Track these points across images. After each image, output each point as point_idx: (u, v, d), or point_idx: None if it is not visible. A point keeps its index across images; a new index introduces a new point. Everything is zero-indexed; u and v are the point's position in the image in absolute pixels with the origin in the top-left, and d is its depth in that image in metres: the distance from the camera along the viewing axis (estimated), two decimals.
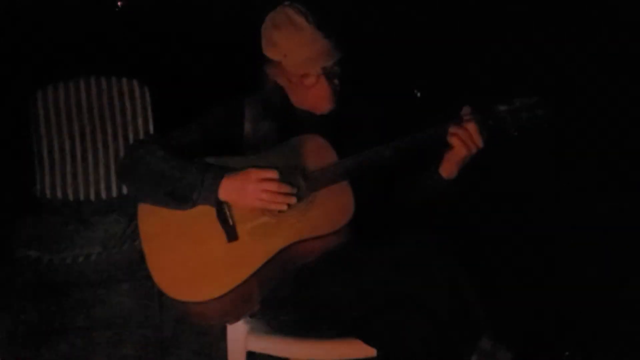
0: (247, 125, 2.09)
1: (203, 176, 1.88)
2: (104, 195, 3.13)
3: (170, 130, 2.09)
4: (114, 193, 3.14)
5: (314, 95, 2.06)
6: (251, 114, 2.11)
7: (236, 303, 1.92)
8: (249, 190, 1.87)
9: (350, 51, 2.02)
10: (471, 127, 1.91)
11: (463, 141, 1.91)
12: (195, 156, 1.96)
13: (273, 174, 1.87)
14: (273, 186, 1.87)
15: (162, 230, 1.95)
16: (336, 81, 2.05)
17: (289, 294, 1.98)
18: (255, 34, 2.11)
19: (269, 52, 2.06)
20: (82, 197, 3.13)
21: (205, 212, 1.92)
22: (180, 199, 1.90)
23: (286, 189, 1.88)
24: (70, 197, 3.11)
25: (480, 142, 1.92)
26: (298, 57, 2.00)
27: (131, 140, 3.15)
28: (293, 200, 1.89)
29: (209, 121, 2.11)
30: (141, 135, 3.17)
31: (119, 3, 3.89)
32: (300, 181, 1.93)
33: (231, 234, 1.92)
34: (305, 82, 2.04)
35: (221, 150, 2.02)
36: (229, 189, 1.87)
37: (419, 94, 2.61)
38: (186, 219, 1.93)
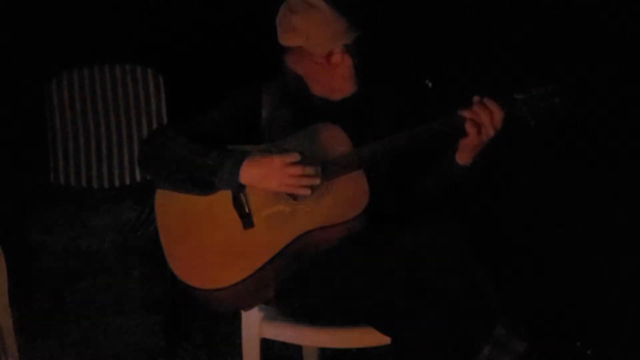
0: (265, 112, 2.10)
1: (224, 160, 1.88)
2: (117, 182, 3.14)
3: (186, 117, 2.10)
4: (128, 180, 3.15)
5: (339, 76, 2.06)
6: (269, 101, 2.11)
7: (251, 291, 1.93)
8: (274, 175, 1.86)
9: (366, 32, 2.02)
10: (485, 113, 1.90)
11: (477, 128, 1.91)
12: (214, 142, 1.96)
13: (295, 157, 1.87)
14: (297, 170, 1.86)
15: (179, 217, 1.96)
16: (357, 61, 2.05)
17: (303, 282, 1.99)
18: (269, 21, 2.11)
19: (289, 39, 2.06)
20: (95, 185, 3.13)
21: (221, 200, 1.93)
22: (201, 184, 1.90)
23: (309, 171, 1.88)
24: (84, 184, 3.12)
25: (492, 130, 1.91)
26: (321, 36, 2.01)
27: (145, 128, 3.16)
28: (317, 181, 1.89)
29: (227, 108, 2.11)
30: (155, 123, 3.18)
31: None
32: (316, 169, 1.94)
33: (247, 222, 1.93)
34: (331, 61, 2.04)
35: (238, 137, 2.03)
36: (250, 173, 1.87)
37: (430, 84, 2.59)
38: (202, 206, 1.94)
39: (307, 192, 1.89)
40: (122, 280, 3.05)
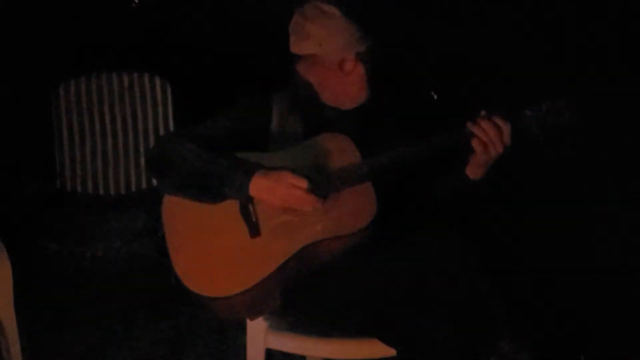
0: (274, 120, 2.10)
1: (235, 170, 1.88)
2: (123, 189, 3.15)
3: (195, 123, 2.10)
4: (134, 187, 3.16)
5: (350, 84, 2.07)
6: (279, 109, 2.12)
7: (256, 300, 1.93)
8: (278, 191, 1.87)
9: (378, 40, 2.03)
10: (493, 131, 1.89)
11: (484, 143, 1.90)
12: (223, 149, 1.97)
13: (304, 184, 1.86)
14: (302, 194, 1.86)
15: (186, 224, 1.97)
16: (371, 69, 2.05)
17: (308, 293, 1.99)
18: (275, 30, 2.12)
19: (302, 47, 2.06)
20: (102, 191, 3.15)
21: (229, 208, 1.93)
22: (210, 192, 1.91)
23: (313, 200, 1.87)
24: (91, 190, 3.13)
25: (500, 146, 1.90)
26: (335, 44, 2.02)
27: (152, 136, 3.17)
28: (319, 207, 1.89)
29: (237, 114, 2.11)
30: (161, 131, 3.18)
31: (135, 1, 3.90)
32: (323, 180, 1.94)
33: (254, 230, 1.93)
34: (344, 68, 2.05)
35: (248, 144, 2.03)
36: (260, 186, 1.87)
37: (435, 96, 2.60)
38: (210, 214, 1.94)
39: (308, 209, 1.89)
40: (128, 288, 3.05)
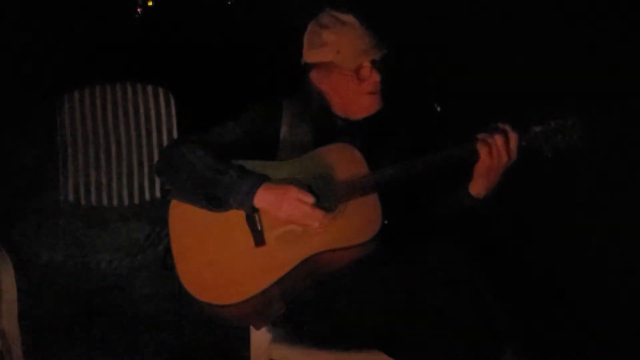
0: (284, 127, 2.11)
1: (242, 181, 1.90)
2: (126, 201, 3.14)
3: (205, 128, 2.11)
4: (137, 199, 3.15)
5: (364, 91, 2.06)
6: (289, 117, 2.12)
7: (258, 308, 1.94)
8: (284, 206, 1.89)
9: (392, 49, 2.04)
10: (499, 135, 1.90)
11: (490, 151, 1.91)
12: (232, 155, 1.99)
13: (310, 199, 1.88)
14: (307, 210, 1.89)
15: (192, 230, 1.98)
16: (384, 78, 2.06)
17: (313, 304, 1.99)
18: (281, 41, 2.13)
19: (318, 55, 2.08)
20: (105, 203, 3.14)
21: (235, 216, 1.95)
22: (216, 201, 1.93)
23: (319, 215, 1.89)
24: (94, 202, 3.12)
25: (505, 155, 1.91)
26: (351, 50, 2.03)
27: (155, 148, 3.16)
28: (325, 221, 1.91)
29: (247, 121, 2.12)
30: (165, 143, 3.18)
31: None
32: (330, 190, 1.94)
33: (259, 239, 1.94)
34: (360, 74, 2.05)
35: (257, 151, 2.05)
36: (265, 198, 1.90)
37: (439, 108, 2.61)
38: (216, 221, 1.96)
39: (314, 224, 1.91)
40: (131, 299, 3.04)
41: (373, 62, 2.04)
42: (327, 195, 1.93)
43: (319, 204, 1.90)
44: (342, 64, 2.04)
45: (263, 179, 1.91)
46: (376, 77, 2.05)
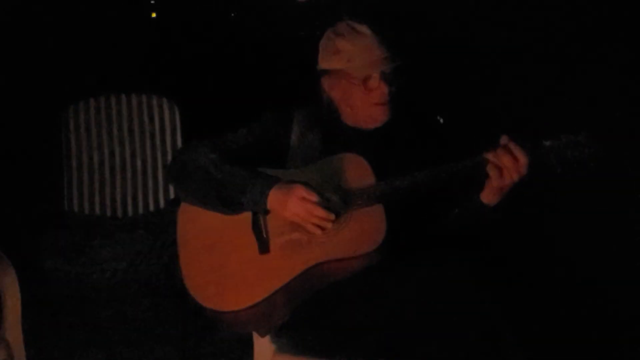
0: (294, 136, 2.13)
1: (255, 181, 1.92)
2: (131, 211, 3.16)
3: (217, 134, 2.12)
4: (141, 209, 3.16)
5: (372, 102, 2.07)
6: (299, 125, 2.14)
7: (263, 315, 1.95)
8: (289, 203, 1.89)
9: (405, 63, 2.05)
10: (508, 158, 1.88)
11: (500, 172, 1.90)
12: (242, 162, 2.00)
13: (314, 197, 1.88)
14: (313, 208, 1.88)
15: (198, 236, 2.00)
16: (393, 89, 2.07)
17: (316, 314, 1.99)
18: (288, 52, 2.14)
19: (330, 62, 2.09)
20: (109, 213, 3.15)
21: (241, 222, 1.96)
22: (229, 203, 1.94)
23: (323, 213, 1.89)
24: (98, 212, 3.14)
25: (516, 175, 1.90)
26: (362, 60, 2.04)
27: (159, 158, 3.18)
28: (328, 225, 1.90)
29: (259, 128, 2.14)
30: (169, 154, 3.19)
31: (153, 14, 3.93)
32: (337, 200, 1.95)
33: (263, 246, 1.95)
34: (368, 85, 2.05)
35: (267, 158, 2.06)
36: (276, 198, 1.90)
37: (441, 120, 2.61)
38: (222, 227, 1.98)
39: (317, 231, 1.90)
40: (132, 310, 3.04)
41: (383, 73, 2.05)
42: (332, 201, 1.93)
43: (323, 204, 1.90)
44: (352, 72, 2.06)
45: (275, 179, 1.93)
46: (384, 89, 2.05)
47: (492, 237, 2.11)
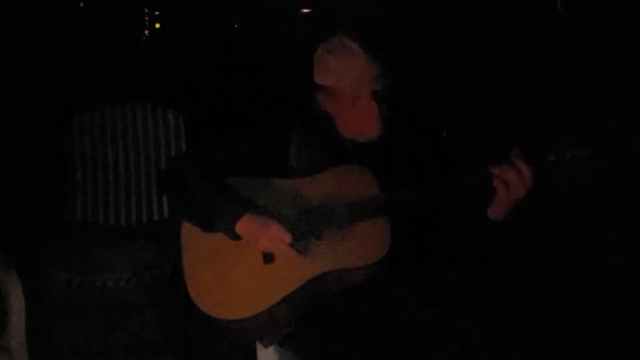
0: (293, 147, 2.12)
1: (226, 209, 1.95)
2: (134, 220, 3.15)
3: (215, 145, 2.13)
4: (145, 219, 3.15)
5: (364, 119, 2.08)
6: (297, 137, 2.14)
7: (267, 325, 1.96)
8: (261, 239, 1.94)
9: (398, 80, 2.05)
10: (513, 173, 1.89)
11: (507, 187, 1.90)
12: (238, 174, 2.03)
13: (287, 239, 1.93)
14: (283, 247, 1.94)
15: (203, 245, 2.01)
16: (385, 107, 2.07)
17: (320, 324, 1.99)
18: (292, 64, 2.15)
19: (322, 78, 2.10)
20: (112, 222, 3.15)
21: None
22: (203, 222, 1.99)
23: (292, 254, 1.95)
24: (102, 221, 3.13)
25: (522, 189, 1.90)
26: (351, 79, 2.05)
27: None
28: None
29: (256, 140, 2.15)
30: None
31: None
32: (340, 210, 1.95)
33: (268, 257, 1.97)
34: (357, 105, 2.06)
35: (266, 169, 2.07)
36: (246, 227, 1.95)
37: (444, 133, 2.61)
38: (225, 237, 1.98)
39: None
40: (135, 319, 3.04)
41: (373, 92, 2.06)
42: (335, 215, 1.93)
43: (295, 245, 1.94)
44: (341, 91, 2.06)
45: (247, 207, 1.96)
46: (374, 109, 2.06)
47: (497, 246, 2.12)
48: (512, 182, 1.88)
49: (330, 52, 2.07)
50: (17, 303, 2.12)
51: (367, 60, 2.04)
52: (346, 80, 2.05)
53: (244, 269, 1.97)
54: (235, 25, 4.39)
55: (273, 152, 2.12)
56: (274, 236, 1.92)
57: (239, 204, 1.96)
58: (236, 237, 1.96)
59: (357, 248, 1.94)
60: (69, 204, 3.13)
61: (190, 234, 2.04)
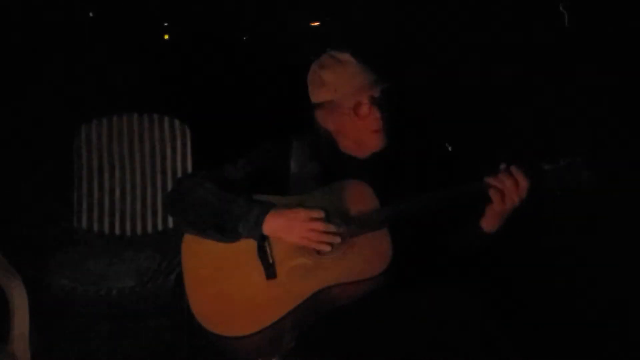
0: (293, 164, 2.14)
1: (250, 209, 1.93)
2: (139, 230, 3.17)
3: (215, 165, 2.14)
4: (150, 228, 3.17)
5: (367, 129, 2.08)
6: (298, 154, 2.15)
7: (269, 341, 1.94)
8: (295, 227, 1.91)
9: (393, 84, 2.06)
10: (510, 182, 1.91)
11: (502, 196, 1.92)
12: (241, 191, 2.00)
13: (320, 214, 1.90)
14: (320, 226, 1.90)
15: (205, 261, 1.99)
16: (387, 114, 2.08)
17: (322, 338, 1.99)
18: (294, 77, 2.16)
19: (319, 95, 2.11)
20: (118, 231, 3.16)
21: (246, 248, 1.96)
22: (225, 231, 1.94)
23: (332, 228, 1.91)
24: (107, 230, 3.15)
25: (517, 198, 1.92)
26: (348, 89, 2.05)
27: (169, 178, 3.19)
28: (338, 240, 1.92)
29: (257, 158, 2.15)
30: (179, 174, 3.21)
31: (165, 37, 3.97)
32: (340, 226, 1.96)
33: (270, 272, 1.95)
34: (359, 112, 2.07)
35: (266, 187, 2.06)
36: (274, 224, 1.92)
37: (450, 148, 2.63)
38: (227, 254, 1.97)
39: (327, 248, 1.92)
40: (139, 328, 3.04)
41: (372, 98, 2.06)
42: (338, 224, 1.94)
43: (332, 220, 1.92)
44: (341, 102, 2.07)
45: (270, 206, 1.94)
46: (376, 114, 2.07)
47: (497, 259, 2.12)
48: (507, 190, 1.90)
49: (323, 67, 2.09)
50: (21, 309, 2.13)
51: (359, 68, 2.06)
52: (344, 90, 2.05)
53: (246, 285, 1.95)
54: (244, 38, 4.42)
55: (274, 169, 2.13)
56: (306, 219, 1.90)
57: (260, 204, 1.95)
58: (263, 238, 1.94)
59: (359, 261, 1.94)
60: (75, 213, 3.15)
61: (191, 251, 2.02)
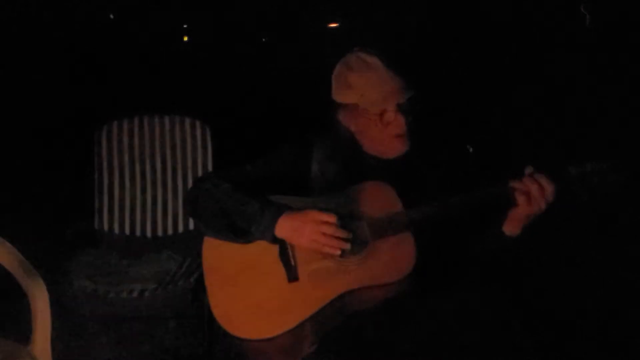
0: (315, 165, 2.12)
1: (263, 211, 1.92)
2: (160, 232, 3.17)
3: (236, 166, 2.13)
4: (170, 230, 3.17)
5: (391, 134, 2.07)
6: (319, 154, 2.13)
7: (291, 345, 1.93)
8: (305, 230, 1.90)
9: (420, 91, 2.04)
10: (536, 186, 1.89)
11: (528, 200, 1.89)
12: (261, 192, 2.00)
13: (331, 218, 1.89)
14: (330, 229, 1.89)
15: (225, 265, 1.99)
16: (410, 119, 2.06)
17: (344, 342, 1.97)
18: (316, 78, 2.14)
19: (344, 96, 2.09)
20: (138, 233, 3.16)
21: (268, 251, 1.95)
22: (239, 232, 1.94)
23: (342, 234, 1.90)
24: (127, 232, 3.15)
25: (543, 203, 1.89)
26: (375, 95, 2.03)
27: (190, 179, 3.19)
28: (347, 246, 1.90)
29: (277, 159, 2.14)
30: (200, 175, 3.20)
31: (184, 38, 3.98)
32: (364, 228, 1.94)
33: (292, 275, 1.94)
34: (384, 119, 2.05)
35: (288, 188, 2.05)
36: (285, 227, 1.91)
37: (471, 149, 2.60)
38: (249, 256, 1.97)
39: (336, 252, 1.90)
40: (160, 330, 3.05)
41: (398, 105, 2.04)
42: (360, 232, 1.92)
43: (342, 224, 1.90)
44: (367, 107, 2.05)
45: (283, 208, 1.93)
46: (401, 121, 2.05)
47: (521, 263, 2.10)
48: (534, 194, 1.87)
49: (350, 69, 2.07)
50: (43, 311, 2.12)
51: (387, 74, 2.04)
52: (370, 96, 2.04)
53: (268, 287, 1.95)
54: (263, 40, 4.43)
55: (295, 170, 2.11)
56: (317, 221, 1.89)
57: (273, 206, 1.94)
58: (275, 240, 1.93)
59: (383, 265, 1.93)
60: (96, 214, 3.15)
61: (211, 254, 2.01)
